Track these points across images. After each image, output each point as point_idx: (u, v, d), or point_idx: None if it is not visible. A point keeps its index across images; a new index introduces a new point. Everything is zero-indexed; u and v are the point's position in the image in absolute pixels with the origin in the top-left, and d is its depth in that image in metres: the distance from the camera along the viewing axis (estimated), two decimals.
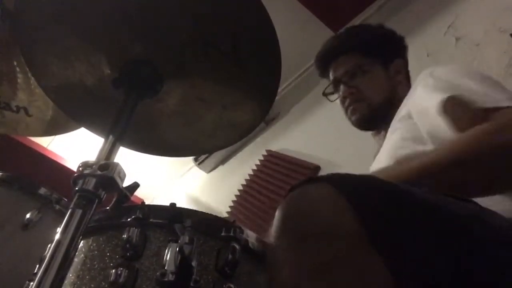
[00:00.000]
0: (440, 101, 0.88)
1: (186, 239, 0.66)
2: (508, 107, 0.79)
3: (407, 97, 1.10)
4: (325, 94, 1.36)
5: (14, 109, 1.29)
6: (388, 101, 1.21)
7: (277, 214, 0.61)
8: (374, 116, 1.22)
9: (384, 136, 1.15)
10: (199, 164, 3.10)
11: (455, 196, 0.69)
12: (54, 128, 1.35)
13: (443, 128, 0.87)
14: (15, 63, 1.28)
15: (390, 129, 1.09)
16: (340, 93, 1.27)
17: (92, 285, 0.66)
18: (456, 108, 0.86)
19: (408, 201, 0.60)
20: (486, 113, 0.80)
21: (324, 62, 1.33)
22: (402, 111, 1.07)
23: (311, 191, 0.61)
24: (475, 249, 0.57)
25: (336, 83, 1.29)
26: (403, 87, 1.24)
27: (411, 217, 0.58)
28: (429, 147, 0.92)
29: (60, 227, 0.64)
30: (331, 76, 1.31)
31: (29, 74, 1.23)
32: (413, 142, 0.95)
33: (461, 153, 0.76)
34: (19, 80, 1.29)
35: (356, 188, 0.60)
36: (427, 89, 0.97)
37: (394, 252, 0.54)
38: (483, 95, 0.85)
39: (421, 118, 0.97)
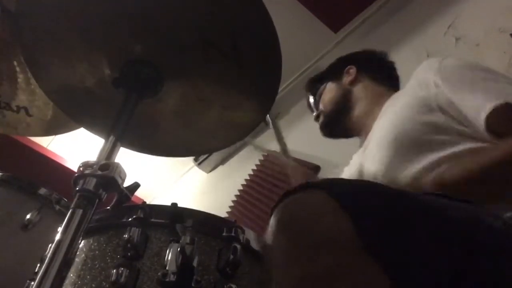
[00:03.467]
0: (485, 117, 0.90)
1: (187, 239, 0.66)
2: None
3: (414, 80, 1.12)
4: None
5: (15, 109, 1.28)
6: (342, 104, 1.35)
7: (271, 222, 0.60)
8: (331, 121, 1.37)
9: (365, 138, 1.22)
10: (199, 164, 3.09)
11: (456, 198, 0.68)
12: (54, 127, 1.35)
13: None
14: (15, 63, 1.28)
15: (388, 105, 1.16)
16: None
17: (93, 285, 0.66)
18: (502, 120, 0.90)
19: (405, 206, 0.60)
20: None
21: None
22: (410, 94, 1.09)
23: (305, 199, 0.60)
24: (474, 253, 0.57)
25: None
26: (359, 80, 1.37)
27: (408, 223, 0.57)
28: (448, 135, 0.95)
29: (60, 227, 0.64)
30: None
31: (29, 74, 1.23)
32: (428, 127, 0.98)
33: None
34: (19, 80, 1.28)
35: (351, 195, 0.59)
36: (455, 84, 0.99)
37: (392, 259, 0.53)
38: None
39: (452, 110, 0.98)
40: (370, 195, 0.60)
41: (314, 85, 1.48)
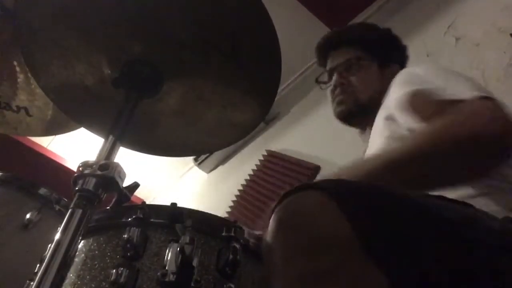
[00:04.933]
0: (403, 93, 0.93)
1: (187, 239, 0.66)
2: (463, 100, 0.82)
3: (385, 99, 1.09)
4: (318, 82, 1.36)
5: (15, 109, 1.29)
6: (375, 100, 1.17)
7: (271, 223, 0.60)
8: (358, 112, 1.22)
9: (369, 136, 1.16)
10: (199, 164, 3.09)
11: (449, 199, 0.69)
12: (54, 127, 1.35)
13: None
14: (15, 63, 1.28)
15: (373, 130, 1.11)
16: (332, 82, 1.27)
17: (93, 285, 0.66)
18: (418, 100, 0.90)
19: (403, 207, 0.60)
20: (444, 105, 0.83)
21: (325, 50, 1.34)
22: (382, 113, 1.06)
23: (305, 200, 0.61)
24: (468, 253, 0.57)
25: (331, 73, 1.29)
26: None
27: (404, 223, 0.58)
28: None
29: (60, 227, 0.64)
30: (328, 65, 1.32)
31: (29, 74, 1.23)
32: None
33: (422, 146, 0.78)
34: (19, 80, 1.29)
35: (350, 196, 0.59)
36: (398, 85, 1.02)
37: (388, 258, 0.54)
38: (444, 89, 0.88)
39: (401, 115, 0.96)
40: (369, 196, 0.61)
41: (358, 44, 1.26)
